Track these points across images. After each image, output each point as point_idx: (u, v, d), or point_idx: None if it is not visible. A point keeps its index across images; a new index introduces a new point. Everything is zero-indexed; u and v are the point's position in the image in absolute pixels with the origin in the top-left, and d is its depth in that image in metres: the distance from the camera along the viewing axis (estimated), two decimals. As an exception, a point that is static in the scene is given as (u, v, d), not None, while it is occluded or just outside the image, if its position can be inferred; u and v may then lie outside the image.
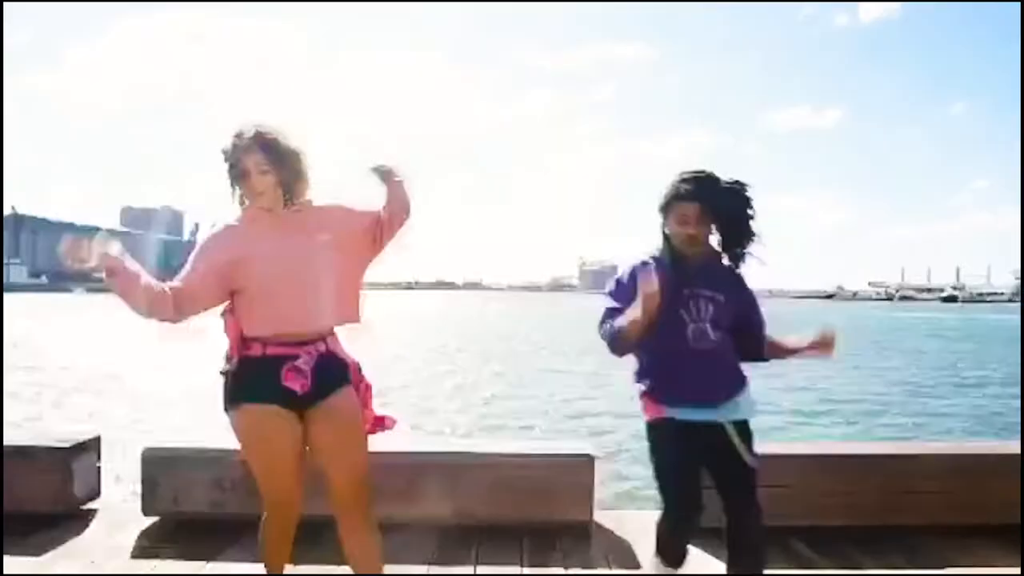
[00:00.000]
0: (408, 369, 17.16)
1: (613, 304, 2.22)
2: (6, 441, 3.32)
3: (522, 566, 2.88)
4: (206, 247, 2.08)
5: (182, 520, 3.27)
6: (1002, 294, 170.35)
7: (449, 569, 2.84)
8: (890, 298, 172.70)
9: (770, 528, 3.08)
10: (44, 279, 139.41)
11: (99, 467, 3.54)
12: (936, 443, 3.99)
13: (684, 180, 2.21)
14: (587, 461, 3.29)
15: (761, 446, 2.68)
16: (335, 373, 2.10)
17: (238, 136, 2.01)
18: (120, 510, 3.47)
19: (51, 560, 2.87)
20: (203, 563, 2.86)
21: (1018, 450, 3.41)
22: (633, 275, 2.19)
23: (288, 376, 2.01)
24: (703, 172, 2.23)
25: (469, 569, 2.84)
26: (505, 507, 3.27)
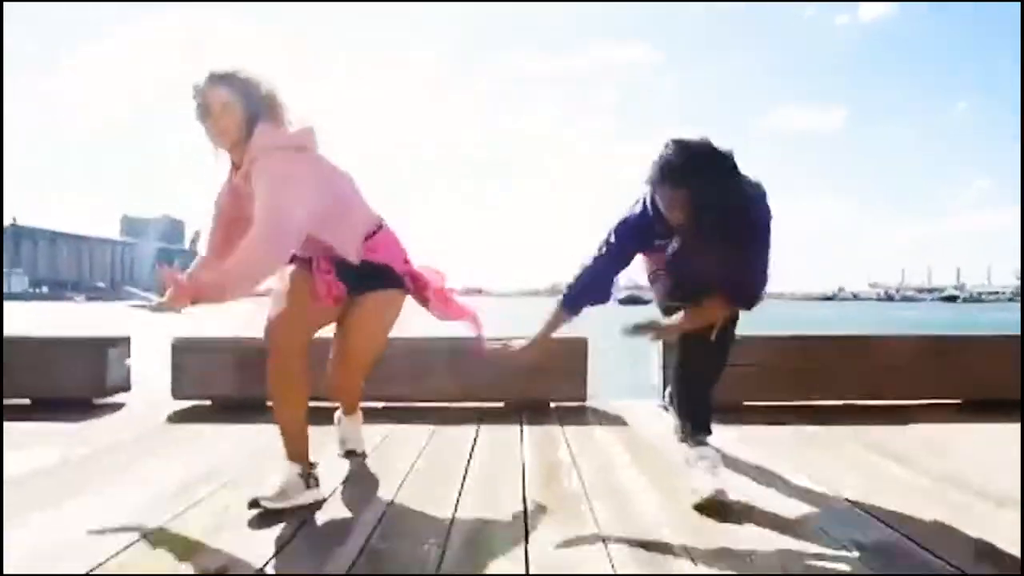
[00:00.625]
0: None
1: (611, 248, 2.25)
2: (47, 333, 3.62)
3: (521, 426, 3.16)
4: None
5: (210, 401, 3.55)
6: (1002, 293, 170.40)
7: (455, 428, 3.12)
8: (891, 298, 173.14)
9: (735, 403, 3.39)
10: (45, 288, 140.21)
11: (129, 364, 3.82)
12: (894, 334, 4.30)
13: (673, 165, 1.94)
14: (581, 342, 3.58)
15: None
16: (359, 278, 2.22)
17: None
18: (152, 396, 3.74)
19: (86, 427, 3.15)
20: (231, 427, 3.13)
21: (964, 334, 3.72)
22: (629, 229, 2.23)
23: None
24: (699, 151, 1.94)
25: (473, 428, 3.11)
26: (506, 387, 3.56)
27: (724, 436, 2.58)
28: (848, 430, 3.07)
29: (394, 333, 3.49)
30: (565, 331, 3.72)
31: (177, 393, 3.54)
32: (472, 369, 3.51)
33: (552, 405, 3.58)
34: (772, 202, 2.15)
